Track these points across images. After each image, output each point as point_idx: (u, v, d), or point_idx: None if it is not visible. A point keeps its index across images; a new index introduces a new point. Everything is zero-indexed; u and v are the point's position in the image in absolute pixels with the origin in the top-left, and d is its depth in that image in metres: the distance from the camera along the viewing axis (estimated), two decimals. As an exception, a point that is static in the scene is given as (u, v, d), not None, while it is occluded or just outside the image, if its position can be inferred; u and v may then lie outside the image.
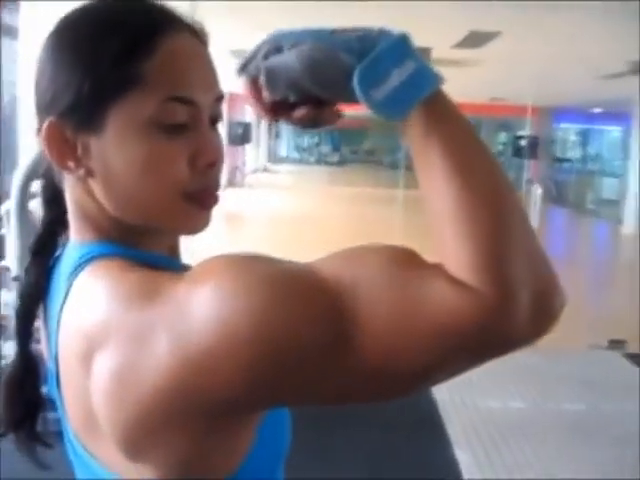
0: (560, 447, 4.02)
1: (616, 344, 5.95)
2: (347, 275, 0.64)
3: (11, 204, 3.81)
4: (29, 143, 7.18)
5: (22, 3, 5.45)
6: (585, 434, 4.24)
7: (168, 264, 0.77)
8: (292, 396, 0.68)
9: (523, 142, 14.85)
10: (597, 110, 19.60)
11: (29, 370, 0.83)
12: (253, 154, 21.80)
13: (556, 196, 17.56)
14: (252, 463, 0.75)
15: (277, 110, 0.74)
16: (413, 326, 0.62)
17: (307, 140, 32.10)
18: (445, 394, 4.65)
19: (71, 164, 0.76)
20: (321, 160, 31.63)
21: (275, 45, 0.71)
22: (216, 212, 0.80)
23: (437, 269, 0.65)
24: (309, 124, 0.73)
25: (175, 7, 0.77)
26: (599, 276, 9.25)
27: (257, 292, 0.63)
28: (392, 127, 0.70)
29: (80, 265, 0.75)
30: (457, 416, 4.30)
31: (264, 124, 25.55)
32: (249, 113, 22.33)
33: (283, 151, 32.46)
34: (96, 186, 0.76)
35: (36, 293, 0.83)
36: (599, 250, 12.48)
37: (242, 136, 17.64)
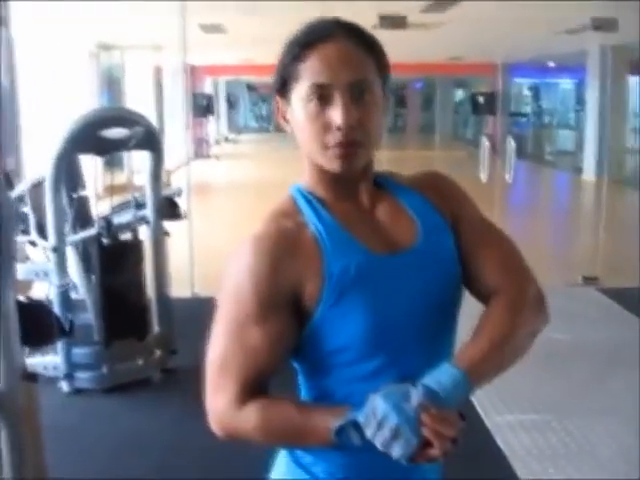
0: (553, 369, 4.56)
1: (590, 280, 6.46)
2: None
3: (47, 183, 4.11)
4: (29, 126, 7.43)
5: None
6: (573, 358, 4.77)
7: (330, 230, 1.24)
8: None
9: (481, 99, 15.16)
10: (550, 64, 20.01)
11: None
12: (215, 125, 21.95)
13: (516, 149, 17.96)
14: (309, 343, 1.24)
15: None
16: None
17: (265, 109, 32.12)
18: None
19: (284, 122, 1.27)
20: (279, 127, 31.44)
21: None
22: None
23: None
24: None
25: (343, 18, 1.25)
26: (568, 221, 9.75)
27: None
28: None
29: None
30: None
31: (222, 95, 25.56)
32: (209, 85, 22.41)
33: (241, 121, 32.43)
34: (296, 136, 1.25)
35: None
36: (564, 197, 13.02)
37: (206, 107, 17.76)
